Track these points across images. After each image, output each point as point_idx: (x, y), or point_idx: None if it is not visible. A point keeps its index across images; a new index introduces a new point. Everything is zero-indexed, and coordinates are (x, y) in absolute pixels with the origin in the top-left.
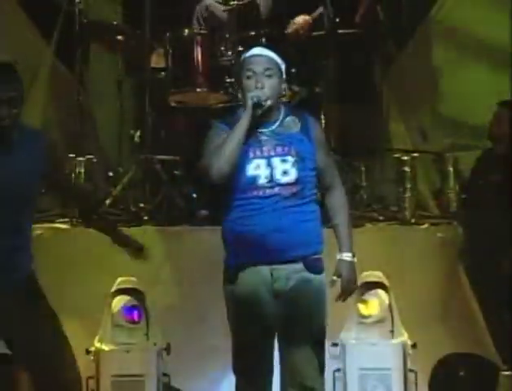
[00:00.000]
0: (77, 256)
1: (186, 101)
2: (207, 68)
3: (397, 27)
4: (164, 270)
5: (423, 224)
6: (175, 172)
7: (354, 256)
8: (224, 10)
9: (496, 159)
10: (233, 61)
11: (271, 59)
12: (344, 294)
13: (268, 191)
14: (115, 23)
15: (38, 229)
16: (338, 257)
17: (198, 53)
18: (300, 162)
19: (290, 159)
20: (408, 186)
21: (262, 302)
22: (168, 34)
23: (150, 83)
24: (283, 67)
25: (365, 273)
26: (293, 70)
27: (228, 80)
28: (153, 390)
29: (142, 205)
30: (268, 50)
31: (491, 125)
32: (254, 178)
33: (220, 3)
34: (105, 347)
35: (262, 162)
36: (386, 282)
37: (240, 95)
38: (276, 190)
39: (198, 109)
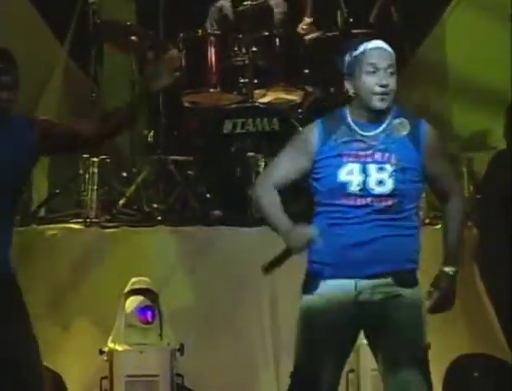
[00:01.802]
0: (91, 256)
1: (199, 101)
2: (220, 68)
3: (411, 27)
4: (177, 271)
5: (437, 224)
6: (189, 172)
7: (457, 271)
8: (238, 12)
9: (510, 159)
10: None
11: (391, 55)
12: (436, 308)
13: (359, 201)
14: (128, 23)
15: (52, 229)
16: (440, 268)
17: (211, 53)
18: (400, 172)
19: (389, 167)
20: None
21: (340, 321)
22: (182, 35)
23: None
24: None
25: None
26: (307, 70)
27: (242, 80)
28: (167, 390)
29: (155, 206)
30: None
31: (506, 124)
32: (345, 184)
33: (234, 4)
34: (119, 347)
35: (356, 167)
36: None
37: (350, 90)
38: (368, 200)
39: (211, 109)
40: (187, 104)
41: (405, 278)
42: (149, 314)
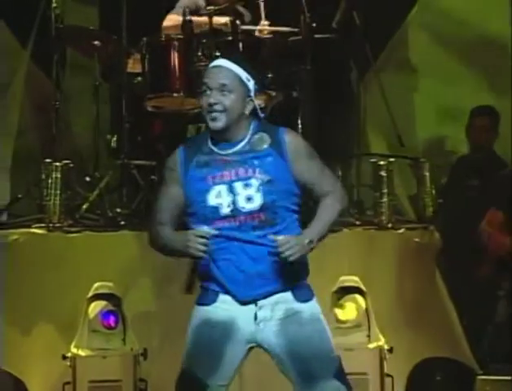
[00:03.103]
0: (54, 261)
1: (163, 106)
2: (184, 73)
3: (373, 32)
4: (141, 275)
5: (400, 229)
6: (152, 177)
7: (311, 244)
8: (202, 15)
9: (473, 163)
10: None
11: (230, 73)
12: (283, 248)
13: (233, 221)
14: (91, 28)
15: (14, 234)
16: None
17: (175, 58)
18: (267, 184)
19: (254, 182)
20: (385, 190)
21: (232, 337)
22: (145, 39)
23: (127, 88)
24: (250, 83)
25: (342, 278)
26: (270, 75)
27: None
28: None
29: (119, 210)
30: (232, 62)
31: (467, 129)
32: (216, 208)
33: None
34: (82, 352)
35: (224, 188)
36: (362, 287)
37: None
38: (242, 219)
39: (175, 114)
40: (150, 109)
41: (302, 293)
42: (112, 319)
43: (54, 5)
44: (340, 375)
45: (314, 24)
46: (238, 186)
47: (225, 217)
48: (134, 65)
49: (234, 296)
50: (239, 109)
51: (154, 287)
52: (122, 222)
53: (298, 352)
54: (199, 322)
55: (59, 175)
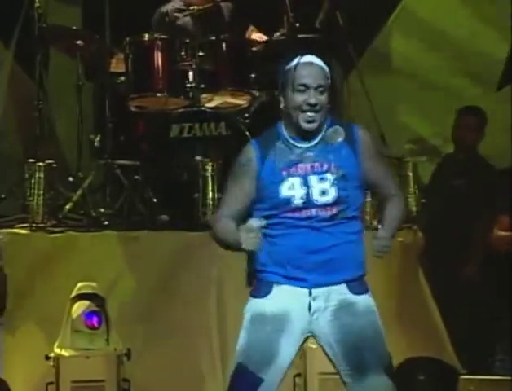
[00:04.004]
0: (36, 261)
1: (146, 106)
2: (167, 72)
3: (357, 32)
4: (124, 275)
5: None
6: (136, 177)
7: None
8: (185, 15)
9: (457, 163)
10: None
11: (322, 71)
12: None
13: (304, 213)
14: (74, 27)
15: None
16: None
17: (158, 58)
18: (341, 180)
19: (330, 177)
20: (368, 190)
21: (287, 330)
22: (128, 39)
23: (110, 88)
24: (329, 78)
25: None
26: (253, 75)
27: (189, 85)
28: None
29: (102, 210)
30: (319, 58)
31: (453, 129)
32: (289, 199)
33: (181, 8)
34: (65, 353)
35: (297, 181)
36: None
37: (281, 105)
38: (313, 211)
39: (158, 114)
40: (133, 109)
41: (357, 285)
42: (95, 319)
43: (37, 4)
44: (390, 371)
45: (297, 24)
46: (313, 179)
47: (297, 209)
48: (117, 65)
49: (295, 281)
50: (326, 108)
51: (138, 287)
52: (106, 222)
53: (352, 342)
54: (253, 315)
55: (42, 175)
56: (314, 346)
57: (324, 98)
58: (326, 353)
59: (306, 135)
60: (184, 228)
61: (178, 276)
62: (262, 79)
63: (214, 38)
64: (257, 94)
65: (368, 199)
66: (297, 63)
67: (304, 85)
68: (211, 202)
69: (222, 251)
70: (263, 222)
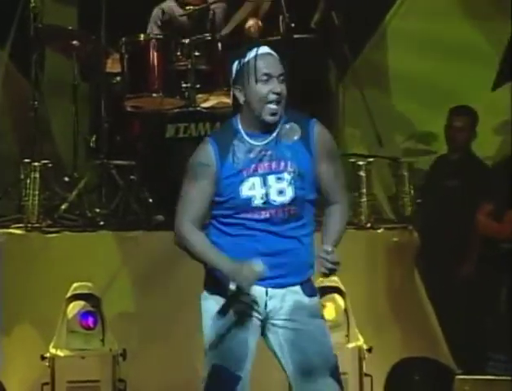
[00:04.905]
0: (32, 261)
1: (142, 106)
2: (163, 73)
3: (352, 32)
4: (120, 276)
5: (379, 228)
6: (131, 177)
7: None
8: (181, 15)
9: (451, 164)
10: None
11: (280, 61)
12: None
13: (263, 213)
14: (70, 27)
15: None
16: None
17: (154, 58)
18: (298, 179)
19: (287, 176)
20: (364, 190)
21: (250, 325)
22: (123, 39)
23: (105, 88)
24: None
25: (321, 278)
26: None
27: (184, 85)
28: None
29: (98, 210)
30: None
31: (446, 129)
32: (249, 199)
33: (177, 8)
34: (60, 353)
35: (257, 180)
36: (341, 287)
37: (241, 99)
38: (273, 212)
39: (154, 114)
40: (129, 109)
41: (309, 287)
42: (91, 319)
43: (32, 4)
44: (336, 374)
45: (293, 24)
46: (271, 179)
47: (256, 209)
48: (112, 65)
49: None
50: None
51: (133, 287)
52: (101, 222)
53: (302, 345)
54: (214, 314)
55: (37, 175)
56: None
57: (284, 87)
58: (275, 354)
59: (266, 129)
60: None
61: (173, 276)
62: None
63: (209, 38)
64: None
65: (364, 199)
66: (256, 55)
67: (267, 74)
68: None
69: None
70: (265, 269)
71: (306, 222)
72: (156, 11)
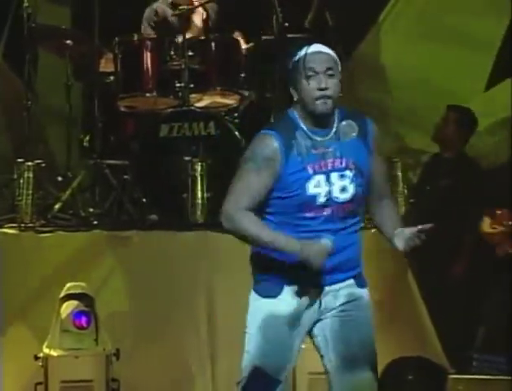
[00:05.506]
0: (26, 261)
1: (135, 106)
2: (156, 72)
3: (346, 32)
4: (113, 275)
5: (372, 228)
6: (125, 176)
7: None
8: (173, 15)
9: (444, 163)
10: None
11: (331, 57)
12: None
13: (326, 211)
14: (64, 27)
15: None
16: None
17: (147, 58)
18: (358, 176)
19: (348, 173)
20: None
21: (298, 329)
22: (117, 39)
23: (99, 88)
24: (340, 67)
25: None
26: (243, 75)
27: (178, 84)
28: None
29: (91, 210)
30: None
31: (438, 128)
32: (314, 197)
33: (170, 8)
34: (54, 353)
35: (322, 178)
36: None
37: (295, 97)
38: (334, 208)
39: (148, 114)
40: (123, 108)
41: (361, 278)
42: (84, 319)
43: (26, 4)
44: (376, 370)
45: (286, 24)
46: (334, 176)
47: (320, 206)
48: (106, 65)
49: (308, 282)
50: (338, 93)
51: (127, 287)
52: (95, 222)
53: (346, 335)
54: (265, 316)
55: (31, 175)
56: (303, 346)
57: (334, 82)
58: (319, 351)
59: (323, 124)
60: (173, 228)
61: (167, 276)
62: (252, 79)
63: (203, 38)
64: (246, 93)
65: None
66: (306, 53)
67: (312, 69)
68: (200, 202)
69: (211, 251)
70: (331, 242)
71: (360, 219)
72: (149, 12)
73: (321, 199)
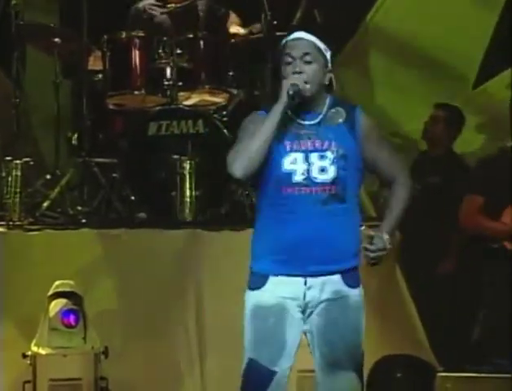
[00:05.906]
0: (14, 259)
1: (124, 103)
2: (145, 70)
3: (334, 30)
4: (102, 273)
5: (360, 226)
6: (113, 174)
7: (389, 242)
8: (162, 13)
9: (431, 161)
10: (171, 63)
11: (311, 44)
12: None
13: (304, 190)
14: (52, 25)
15: None
16: (377, 231)
17: (136, 55)
18: (341, 159)
19: (330, 155)
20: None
21: (288, 318)
22: (105, 37)
23: (87, 85)
24: (327, 53)
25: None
26: (231, 73)
27: (166, 82)
28: None
29: (80, 208)
30: (310, 34)
31: (426, 126)
32: (290, 174)
33: (158, 5)
34: (42, 351)
35: (300, 156)
36: None
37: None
38: (313, 189)
39: (136, 112)
40: (111, 106)
41: (352, 277)
42: (72, 317)
43: (14, 2)
44: (360, 371)
45: (275, 22)
46: (313, 156)
47: (297, 184)
48: (94, 62)
49: (290, 271)
50: (320, 79)
51: (115, 285)
52: (83, 220)
53: (330, 338)
54: (253, 308)
55: (19, 173)
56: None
57: (312, 67)
58: (308, 343)
59: (307, 106)
60: (162, 226)
61: (155, 274)
62: (241, 77)
63: (191, 36)
64: (235, 92)
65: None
66: (286, 40)
67: (289, 54)
68: (189, 200)
69: (199, 249)
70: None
71: (349, 208)
72: (137, 9)
73: (297, 177)
